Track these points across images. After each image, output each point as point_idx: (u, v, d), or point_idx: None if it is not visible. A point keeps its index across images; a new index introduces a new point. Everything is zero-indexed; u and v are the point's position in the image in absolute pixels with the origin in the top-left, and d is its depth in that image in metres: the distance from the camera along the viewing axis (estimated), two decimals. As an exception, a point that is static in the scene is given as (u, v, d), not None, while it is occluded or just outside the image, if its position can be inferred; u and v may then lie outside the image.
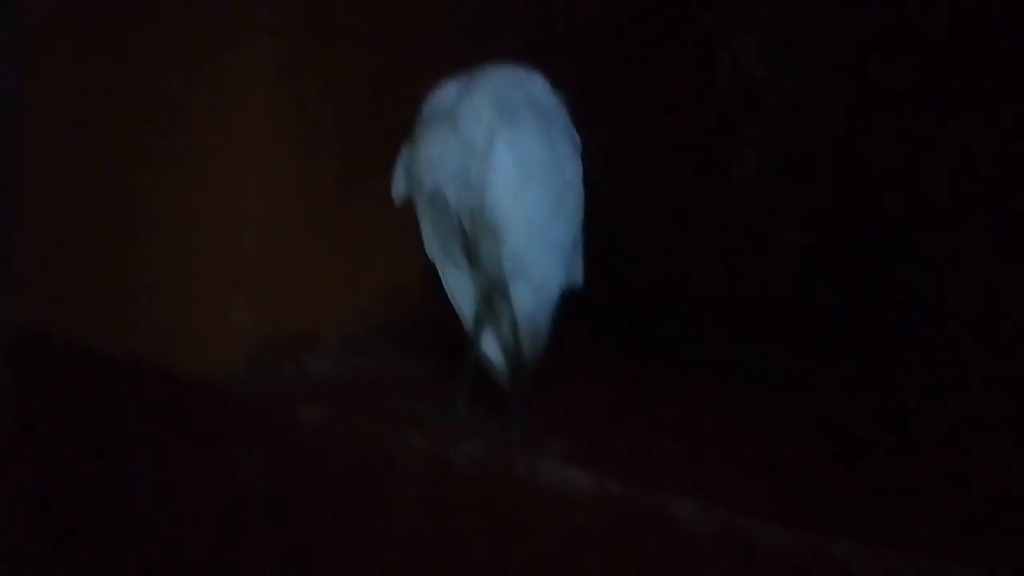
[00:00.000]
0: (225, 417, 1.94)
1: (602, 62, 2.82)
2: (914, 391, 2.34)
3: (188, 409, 1.98)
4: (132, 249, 2.04)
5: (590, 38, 2.80)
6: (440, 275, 1.85)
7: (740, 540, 1.53)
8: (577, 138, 1.75)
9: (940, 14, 2.46)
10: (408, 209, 1.79)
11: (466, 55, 1.77)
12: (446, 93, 1.69)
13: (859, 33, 2.59)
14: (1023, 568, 1.52)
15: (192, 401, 1.97)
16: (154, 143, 2.00)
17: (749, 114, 2.82)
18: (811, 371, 2.45)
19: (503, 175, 1.61)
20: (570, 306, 1.77)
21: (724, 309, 2.70)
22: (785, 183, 2.74)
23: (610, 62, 2.85)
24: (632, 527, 1.60)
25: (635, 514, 1.60)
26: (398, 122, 1.74)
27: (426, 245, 1.82)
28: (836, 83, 2.65)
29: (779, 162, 2.75)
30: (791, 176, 2.73)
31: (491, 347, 1.88)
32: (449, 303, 1.86)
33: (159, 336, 2.02)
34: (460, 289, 1.84)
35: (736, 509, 1.56)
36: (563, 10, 2.69)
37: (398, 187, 1.75)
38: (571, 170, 1.72)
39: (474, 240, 1.71)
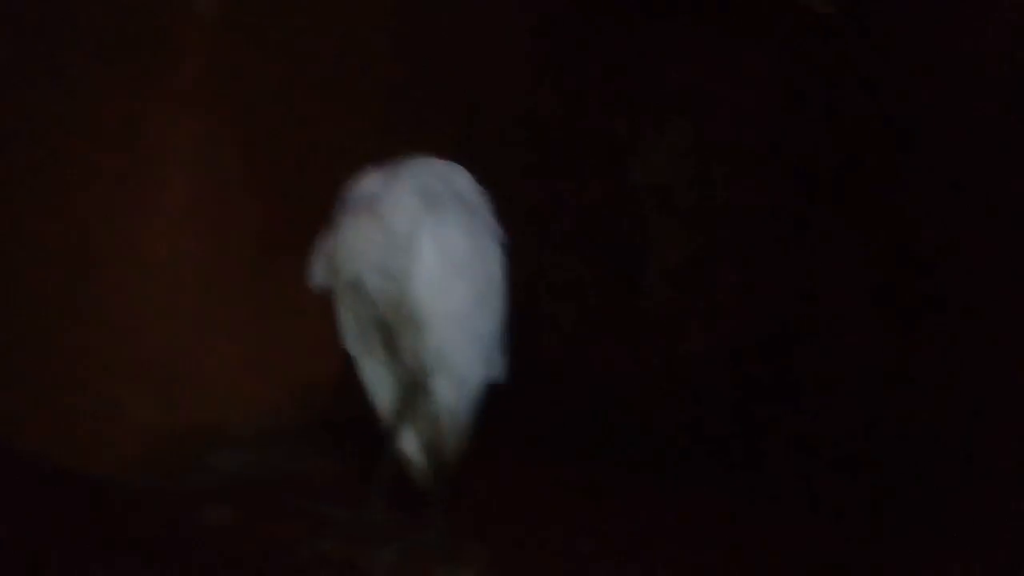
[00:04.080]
0: (120, 518, 1.79)
1: (519, 166, 2.88)
2: (813, 486, 2.38)
3: (79, 510, 1.82)
4: (17, 332, 1.90)
5: (508, 142, 2.86)
6: (358, 368, 1.79)
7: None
8: (501, 233, 1.75)
9: (830, 137, 2.62)
10: (326, 298, 1.73)
11: (391, 148, 1.76)
12: (370, 182, 1.67)
13: (763, 147, 2.73)
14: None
15: (84, 501, 1.81)
16: (48, 215, 1.90)
17: (661, 218, 2.91)
18: (724, 469, 2.46)
19: (427, 266, 1.59)
20: (490, 406, 1.73)
21: (640, 408, 2.71)
22: (696, 285, 2.81)
23: (527, 166, 2.91)
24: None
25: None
26: (319, 208, 1.70)
27: (345, 336, 1.76)
28: (741, 192, 2.77)
29: (691, 264, 2.83)
30: (702, 278, 2.81)
31: (410, 445, 1.81)
32: (367, 398, 1.79)
33: (47, 429, 1.86)
34: (379, 383, 1.78)
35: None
36: (485, 112, 2.74)
37: (317, 274, 1.70)
38: (494, 265, 1.71)
39: (395, 332, 1.66)
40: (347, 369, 1.81)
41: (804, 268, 2.61)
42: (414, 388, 1.74)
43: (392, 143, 1.83)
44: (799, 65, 2.70)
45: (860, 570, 1.92)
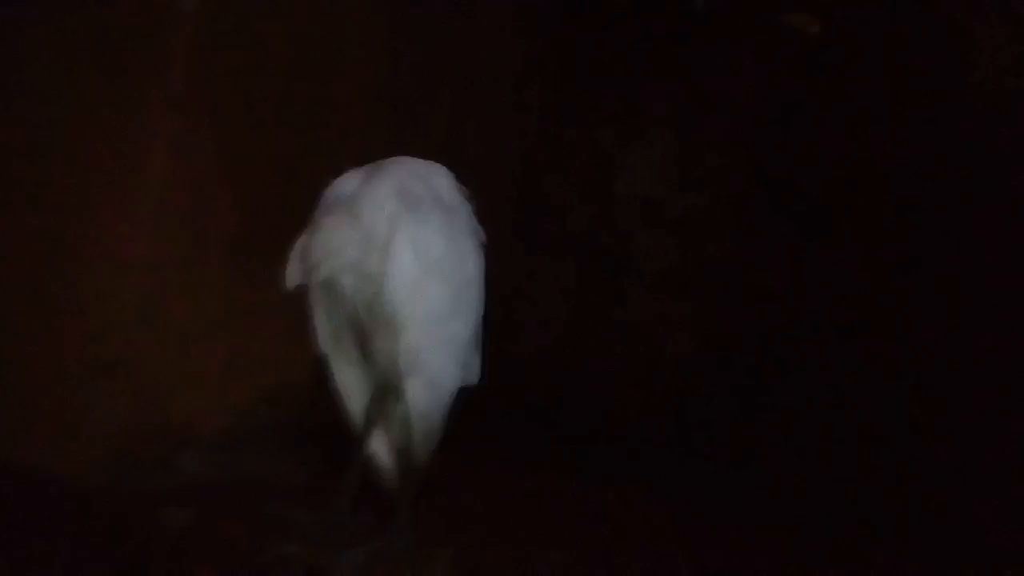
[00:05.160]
0: (82, 519, 1.75)
1: (505, 173, 2.87)
2: (791, 496, 2.38)
3: (39, 510, 1.77)
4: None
5: (494, 150, 2.85)
6: (330, 369, 1.76)
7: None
8: (481, 234, 1.73)
9: (816, 149, 2.64)
10: (301, 300, 1.70)
11: (373, 151, 1.74)
12: (348, 182, 1.65)
13: (747, 161, 2.74)
14: None
15: (44, 501, 1.77)
16: (24, 213, 1.86)
17: (645, 228, 2.91)
18: (697, 477, 2.45)
19: (403, 266, 1.56)
20: (464, 410, 1.71)
21: (616, 416, 2.71)
22: (677, 294, 2.81)
23: (513, 174, 2.91)
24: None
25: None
26: (297, 209, 1.68)
27: (318, 337, 1.73)
28: (722, 204, 2.78)
29: (672, 274, 2.83)
30: (683, 288, 2.81)
31: (380, 448, 1.78)
32: (339, 400, 1.76)
33: (12, 427, 1.82)
34: (351, 385, 1.75)
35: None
36: (470, 121, 2.73)
37: (292, 274, 1.66)
38: (473, 266, 1.69)
39: (369, 332, 1.64)
40: (319, 371, 1.79)
41: (783, 278, 2.62)
42: (386, 390, 1.72)
43: (374, 147, 1.82)
44: (784, 82, 2.72)
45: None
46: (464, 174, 1.75)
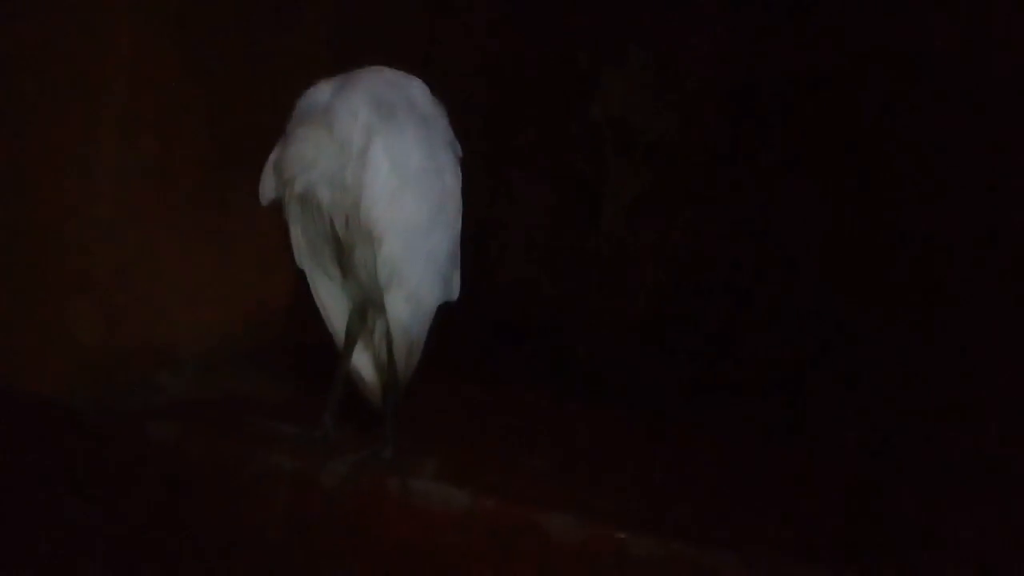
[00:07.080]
0: (66, 439, 1.75)
1: (479, 92, 2.84)
2: (764, 412, 2.42)
3: (23, 430, 1.78)
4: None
5: (468, 69, 2.81)
6: (310, 285, 1.75)
7: (610, 550, 1.50)
8: (458, 147, 1.70)
9: (795, 71, 2.62)
10: (276, 214, 1.69)
11: (344, 58, 1.71)
12: (321, 91, 1.61)
13: (724, 85, 2.72)
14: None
15: (28, 421, 1.77)
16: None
17: (620, 153, 2.90)
18: (671, 391, 2.49)
19: (380, 177, 1.54)
20: (443, 325, 1.72)
21: (592, 333, 2.74)
22: (653, 219, 2.82)
23: (487, 93, 2.87)
24: (506, 541, 1.54)
25: (509, 529, 1.54)
26: (268, 120, 1.65)
27: (295, 253, 1.71)
28: (701, 130, 2.76)
29: (645, 200, 2.84)
30: (659, 212, 2.82)
31: (363, 362, 1.79)
32: (319, 316, 1.76)
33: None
34: (331, 300, 1.74)
35: (605, 521, 1.54)
36: (445, 34, 2.69)
37: (266, 188, 1.64)
38: (451, 179, 1.66)
39: (347, 246, 1.63)
40: (299, 289, 1.79)
41: (758, 207, 2.62)
42: (366, 305, 1.72)
43: (345, 56, 1.78)
44: (765, 4, 2.68)
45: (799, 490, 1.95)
46: (436, 91, 1.72)
